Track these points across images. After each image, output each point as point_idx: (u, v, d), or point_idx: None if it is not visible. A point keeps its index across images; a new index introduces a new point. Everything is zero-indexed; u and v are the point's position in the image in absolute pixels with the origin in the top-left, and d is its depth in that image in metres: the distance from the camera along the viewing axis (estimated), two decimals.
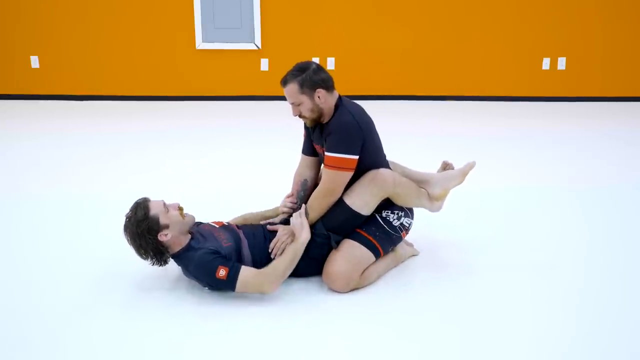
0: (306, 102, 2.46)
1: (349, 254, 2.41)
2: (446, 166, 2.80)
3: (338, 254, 2.42)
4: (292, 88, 2.45)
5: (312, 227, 2.45)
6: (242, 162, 4.37)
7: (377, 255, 2.48)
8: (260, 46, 6.75)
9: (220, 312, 2.27)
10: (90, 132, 5.27)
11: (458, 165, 2.79)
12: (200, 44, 6.69)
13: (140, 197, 2.41)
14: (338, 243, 2.45)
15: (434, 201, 2.66)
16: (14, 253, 2.80)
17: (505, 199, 3.58)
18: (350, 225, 2.46)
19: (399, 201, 2.54)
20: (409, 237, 2.87)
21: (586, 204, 3.50)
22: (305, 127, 2.70)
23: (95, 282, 2.51)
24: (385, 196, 2.47)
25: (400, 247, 2.67)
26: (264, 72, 6.86)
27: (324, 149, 2.46)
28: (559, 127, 5.59)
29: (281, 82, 2.48)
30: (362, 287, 2.46)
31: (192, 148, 4.76)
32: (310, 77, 2.43)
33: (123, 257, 2.74)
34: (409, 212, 2.60)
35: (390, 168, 2.60)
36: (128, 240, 2.35)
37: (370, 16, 6.74)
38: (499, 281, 2.53)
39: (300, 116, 2.52)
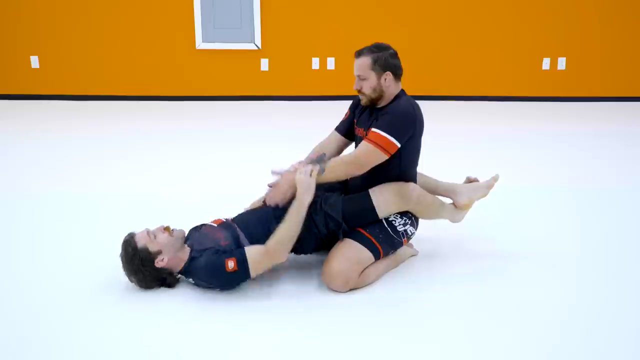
0: (372, 80, 2.49)
1: (349, 253, 2.41)
2: (470, 181, 2.83)
3: (338, 252, 2.42)
4: (365, 61, 2.48)
5: (329, 205, 2.45)
6: (242, 162, 4.37)
7: (377, 256, 2.48)
8: (260, 46, 6.75)
9: (218, 312, 2.27)
10: (90, 132, 5.28)
11: (482, 178, 2.85)
12: (200, 44, 6.69)
13: (125, 234, 2.38)
14: (344, 234, 2.46)
15: (458, 211, 2.72)
16: (13, 253, 2.80)
17: (505, 199, 3.58)
18: (363, 218, 2.47)
19: (418, 214, 2.60)
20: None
21: (586, 204, 3.50)
22: (350, 108, 2.73)
23: (95, 282, 2.51)
24: (405, 208, 2.51)
25: (400, 248, 2.67)
26: (264, 72, 6.86)
27: (371, 127, 2.46)
28: (559, 127, 5.59)
29: (356, 53, 2.52)
30: (361, 287, 2.46)
31: (192, 148, 4.76)
32: (385, 58, 2.49)
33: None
34: (415, 222, 2.62)
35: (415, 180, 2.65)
36: (130, 279, 2.36)
37: (370, 16, 6.74)
38: (498, 281, 2.53)
39: (359, 91, 2.54)
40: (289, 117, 6.01)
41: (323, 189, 2.57)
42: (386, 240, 2.49)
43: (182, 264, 2.36)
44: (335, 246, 2.46)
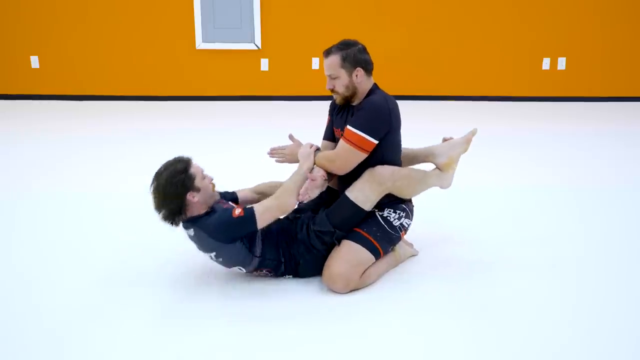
0: (343, 78, 2.47)
1: (349, 256, 2.40)
2: (445, 140, 2.74)
3: (338, 255, 2.41)
4: (334, 60, 2.46)
5: (316, 224, 2.45)
6: (242, 162, 4.37)
7: (377, 256, 2.48)
8: (260, 46, 6.75)
9: (218, 313, 2.27)
10: (90, 132, 5.28)
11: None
12: (200, 44, 6.69)
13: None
14: (339, 241, 2.45)
15: (444, 174, 2.63)
16: (14, 253, 2.80)
17: (505, 199, 3.58)
18: (354, 220, 2.45)
19: (403, 194, 2.53)
20: (408, 237, 2.87)
21: (586, 204, 3.50)
22: (330, 114, 2.71)
23: (96, 283, 2.51)
24: (386, 191, 2.46)
25: (400, 247, 2.67)
26: (264, 72, 6.86)
27: (347, 126, 2.43)
28: (559, 127, 5.58)
29: (324, 52, 2.50)
30: (362, 288, 2.46)
31: (192, 148, 4.75)
32: (354, 54, 2.46)
33: (123, 257, 2.74)
34: (409, 214, 2.60)
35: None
36: (154, 188, 2.32)
37: (370, 16, 6.74)
38: (498, 281, 2.53)
39: (332, 91, 2.52)
40: (289, 117, 6.01)
41: (310, 210, 2.60)
42: (384, 237, 2.48)
43: (195, 214, 2.35)
44: (335, 249, 2.45)
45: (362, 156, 2.42)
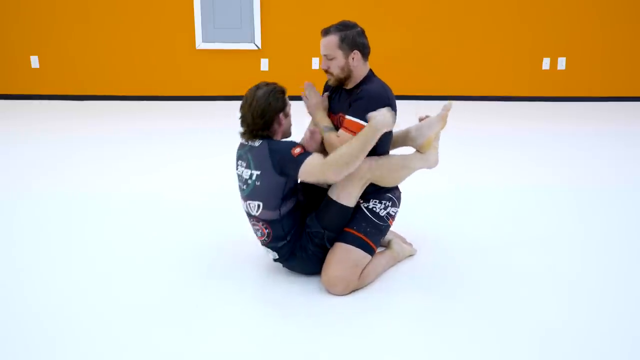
0: (339, 59, 2.44)
1: (345, 258, 2.40)
2: (421, 120, 2.69)
3: (333, 259, 2.40)
4: (332, 40, 2.43)
5: (308, 226, 2.46)
6: None
7: (371, 252, 2.47)
8: (260, 46, 6.75)
9: (219, 315, 2.27)
10: (90, 132, 5.28)
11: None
12: (200, 44, 6.70)
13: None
14: (331, 242, 2.45)
15: (426, 155, 2.59)
16: (13, 253, 2.80)
17: (505, 199, 3.58)
18: (341, 219, 2.44)
19: (386, 182, 2.50)
20: (407, 237, 2.87)
21: (586, 204, 3.50)
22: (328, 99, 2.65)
23: (95, 283, 2.51)
24: (367, 183, 2.44)
25: (399, 246, 2.67)
26: (264, 72, 6.86)
27: (345, 113, 2.42)
28: (559, 127, 5.59)
29: (322, 31, 2.47)
30: (362, 288, 2.46)
31: (192, 148, 4.77)
32: (352, 36, 2.43)
33: (124, 257, 2.75)
34: (395, 202, 2.57)
35: None
36: (257, 93, 2.35)
37: (370, 16, 6.74)
38: (498, 281, 2.53)
39: (326, 71, 2.49)
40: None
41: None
42: (374, 231, 2.47)
43: (274, 137, 2.40)
44: (330, 252, 2.45)
45: None
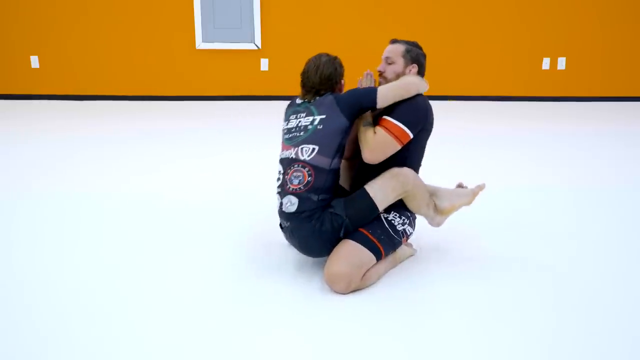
0: (399, 66, 2.59)
1: (351, 256, 2.40)
2: (460, 186, 2.83)
3: (340, 255, 2.41)
4: (399, 48, 2.61)
5: (332, 207, 2.48)
6: (242, 162, 4.37)
7: (379, 257, 2.48)
8: (260, 46, 6.75)
9: (218, 313, 2.27)
10: (90, 132, 5.28)
11: (480, 179, 2.83)
12: (200, 44, 6.70)
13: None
14: (345, 233, 2.46)
15: (438, 215, 2.70)
16: (13, 253, 2.80)
17: (504, 199, 3.58)
18: (366, 215, 2.47)
19: (411, 203, 2.57)
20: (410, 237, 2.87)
21: (586, 204, 3.51)
22: None
23: (95, 283, 2.51)
24: (403, 194, 2.50)
25: (399, 248, 2.68)
26: (264, 72, 6.86)
27: (385, 116, 2.50)
28: (559, 127, 5.59)
29: (391, 40, 2.67)
30: (363, 288, 2.46)
31: (192, 148, 4.77)
32: (417, 53, 2.62)
33: (124, 258, 2.74)
34: (412, 222, 2.62)
35: None
36: (322, 60, 2.55)
37: (370, 16, 6.74)
38: (498, 281, 2.54)
39: (381, 74, 2.63)
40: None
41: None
42: (387, 240, 2.50)
43: (335, 89, 2.58)
44: (336, 248, 2.46)
45: (396, 148, 2.46)
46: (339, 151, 2.46)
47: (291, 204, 2.46)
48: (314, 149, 2.44)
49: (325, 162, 2.43)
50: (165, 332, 2.15)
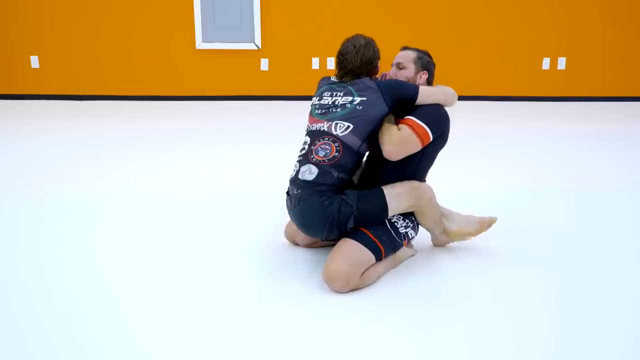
0: (410, 71, 2.64)
1: (351, 254, 2.41)
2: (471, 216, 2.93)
3: (339, 253, 2.41)
4: (410, 54, 2.67)
5: (346, 194, 2.48)
6: (242, 162, 4.37)
7: (379, 257, 2.48)
8: (260, 46, 6.75)
9: (217, 313, 2.27)
10: (90, 132, 5.28)
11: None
12: (200, 44, 6.70)
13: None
14: (350, 224, 2.45)
15: (443, 235, 2.75)
16: (13, 253, 2.80)
17: (504, 199, 3.58)
18: (375, 214, 2.47)
19: (420, 218, 2.61)
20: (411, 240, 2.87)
21: (586, 204, 3.50)
22: None
23: (96, 283, 2.51)
24: (415, 208, 2.54)
25: (400, 249, 2.68)
26: (264, 72, 6.86)
27: (409, 116, 2.52)
28: (559, 127, 5.59)
29: (402, 47, 2.74)
30: (362, 288, 2.46)
31: (192, 148, 4.77)
32: (428, 61, 2.68)
33: (123, 257, 2.74)
34: (416, 226, 2.64)
35: None
36: (360, 42, 2.55)
37: (370, 16, 6.74)
38: (498, 281, 2.53)
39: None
40: (289, 117, 6.01)
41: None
42: (388, 242, 2.50)
43: (373, 72, 2.60)
44: (336, 246, 2.46)
45: (418, 147, 2.47)
46: (371, 137, 2.49)
47: (310, 172, 2.46)
48: (348, 127, 2.45)
49: (355, 143, 2.44)
50: (164, 332, 2.15)
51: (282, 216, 3.21)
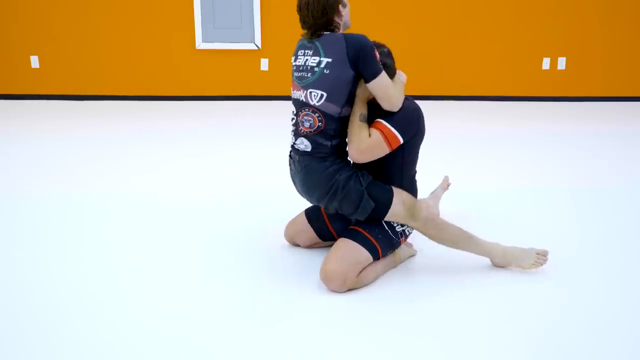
0: None
1: (347, 254, 2.41)
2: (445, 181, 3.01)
3: (338, 255, 2.41)
4: None
5: (362, 174, 2.47)
6: (242, 162, 4.37)
7: (376, 256, 2.48)
8: (260, 46, 6.75)
9: (216, 312, 2.27)
10: (90, 132, 5.28)
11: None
12: (200, 44, 6.70)
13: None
14: (360, 201, 2.44)
15: (494, 259, 2.65)
16: (13, 253, 2.80)
17: (504, 199, 3.58)
18: (380, 201, 2.44)
19: (432, 238, 2.58)
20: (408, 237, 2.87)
21: (586, 204, 3.50)
22: None
23: (95, 283, 2.51)
24: (409, 222, 2.51)
25: (399, 248, 2.67)
26: (264, 72, 6.86)
27: (381, 120, 2.48)
28: (559, 127, 5.59)
29: None
30: (360, 288, 2.46)
31: (192, 148, 4.77)
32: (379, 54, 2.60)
33: (124, 257, 2.75)
34: None
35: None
36: None
37: (370, 16, 6.74)
38: (498, 282, 2.53)
39: None
40: (289, 117, 6.01)
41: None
42: (385, 241, 2.49)
43: (337, 30, 2.46)
44: (333, 247, 2.46)
45: (386, 151, 2.45)
46: (350, 99, 2.42)
47: (305, 145, 2.46)
48: (322, 95, 2.40)
49: (334, 110, 2.40)
50: (164, 332, 2.15)
51: (282, 216, 3.21)
